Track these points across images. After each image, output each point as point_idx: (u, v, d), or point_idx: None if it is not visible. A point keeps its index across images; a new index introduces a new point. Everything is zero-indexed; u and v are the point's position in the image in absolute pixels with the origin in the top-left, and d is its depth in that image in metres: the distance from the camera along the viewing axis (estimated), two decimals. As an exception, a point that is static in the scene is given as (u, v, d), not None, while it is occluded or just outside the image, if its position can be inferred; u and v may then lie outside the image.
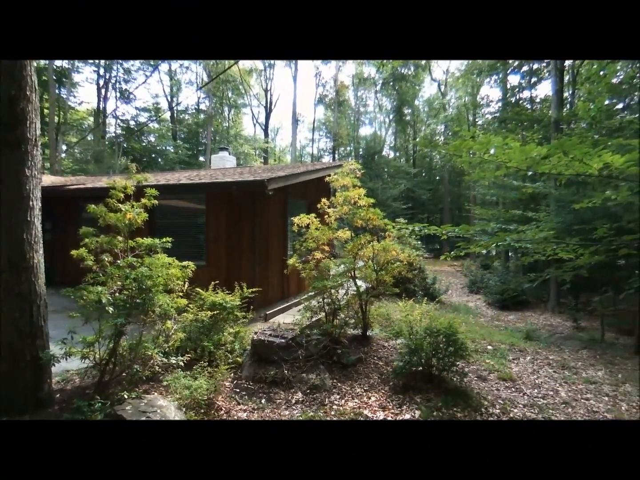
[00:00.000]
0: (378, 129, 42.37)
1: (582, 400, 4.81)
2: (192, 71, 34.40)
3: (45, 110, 24.44)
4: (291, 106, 34.45)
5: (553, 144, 3.05)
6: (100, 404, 3.34)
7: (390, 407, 4.19)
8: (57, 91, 25.22)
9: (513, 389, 4.99)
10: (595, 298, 8.92)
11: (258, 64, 37.71)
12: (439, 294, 12.02)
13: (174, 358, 4.00)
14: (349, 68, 45.50)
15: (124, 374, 3.88)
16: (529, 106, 18.90)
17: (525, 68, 18.45)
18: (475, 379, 5.19)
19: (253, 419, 3.80)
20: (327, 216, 6.10)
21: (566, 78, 14.32)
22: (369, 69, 38.40)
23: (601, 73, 9.55)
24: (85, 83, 28.88)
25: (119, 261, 3.86)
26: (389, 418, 3.96)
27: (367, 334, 6.06)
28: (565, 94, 14.61)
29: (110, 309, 3.47)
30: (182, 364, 4.04)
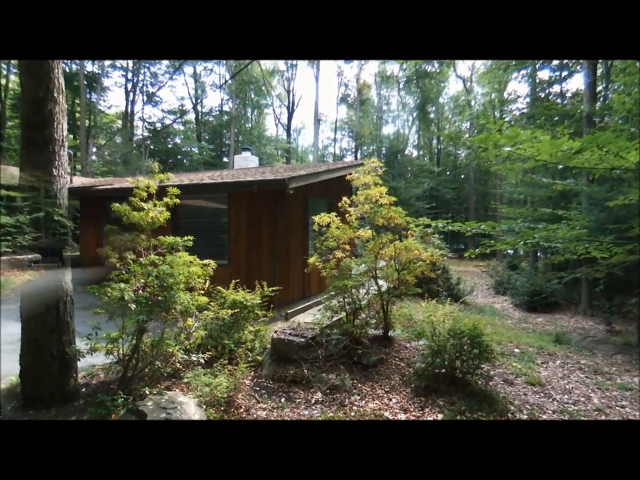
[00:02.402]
0: (401, 128, 41.89)
1: (616, 408, 4.55)
2: (215, 73, 34.98)
3: (77, 114, 25.43)
4: (313, 106, 34.48)
5: (586, 137, 2.87)
6: (122, 399, 3.40)
7: (411, 409, 4.09)
8: (87, 96, 26.16)
9: (542, 394, 4.78)
10: (632, 300, 8.47)
11: (280, 64, 37.97)
12: (463, 294, 11.75)
13: (195, 355, 4.03)
14: (371, 67, 45.20)
15: (146, 370, 3.94)
16: (559, 101, 18.20)
17: (555, 62, 17.75)
18: (501, 382, 5.00)
19: (272, 418, 3.78)
20: (348, 215, 6.03)
21: (599, 71, 13.70)
22: (392, 67, 38.05)
23: (638, 64, 9.07)
24: (114, 87, 29.84)
25: (141, 259, 3.91)
26: (412, 418, 3.87)
27: (389, 334, 5.96)
28: (599, 88, 13.99)
29: (133, 306, 3.52)
30: (203, 361, 4.06)
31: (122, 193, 7.96)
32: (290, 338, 4.79)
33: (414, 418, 3.93)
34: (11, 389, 3.82)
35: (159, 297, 3.70)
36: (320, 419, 3.71)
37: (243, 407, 3.94)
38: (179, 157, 31.80)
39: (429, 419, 3.90)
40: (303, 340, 4.77)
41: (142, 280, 3.81)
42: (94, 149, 27.34)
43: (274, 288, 5.63)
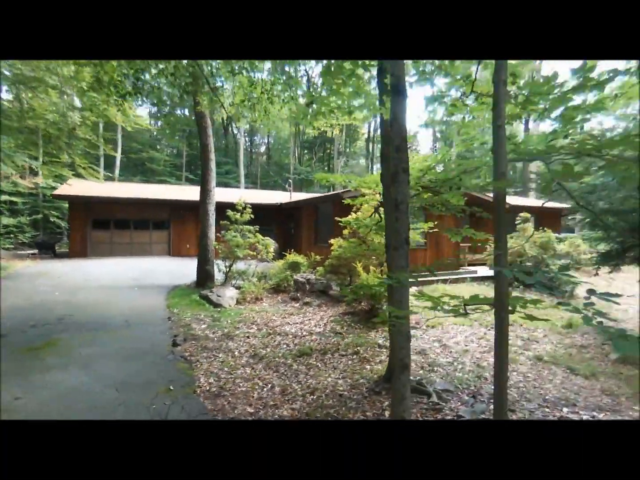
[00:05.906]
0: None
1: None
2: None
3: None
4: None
5: None
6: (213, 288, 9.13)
7: (331, 317, 7.92)
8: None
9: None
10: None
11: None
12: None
13: (249, 277, 9.37)
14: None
15: (233, 280, 9.60)
16: None
17: None
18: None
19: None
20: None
21: None
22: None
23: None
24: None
25: (230, 235, 9.56)
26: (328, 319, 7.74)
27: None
28: None
29: (221, 253, 9.22)
30: (255, 280, 9.32)
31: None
32: (299, 279, 9.36)
33: (330, 317, 7.76)
34: (193, 281, 10.32)
35: (232, 251, 9.24)
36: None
37: (262, 300, 8.92)
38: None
39: (331, 321, 7.64)
40: (303, 280, 9.24)
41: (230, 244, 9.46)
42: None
43: (317, 257, 10.22)
